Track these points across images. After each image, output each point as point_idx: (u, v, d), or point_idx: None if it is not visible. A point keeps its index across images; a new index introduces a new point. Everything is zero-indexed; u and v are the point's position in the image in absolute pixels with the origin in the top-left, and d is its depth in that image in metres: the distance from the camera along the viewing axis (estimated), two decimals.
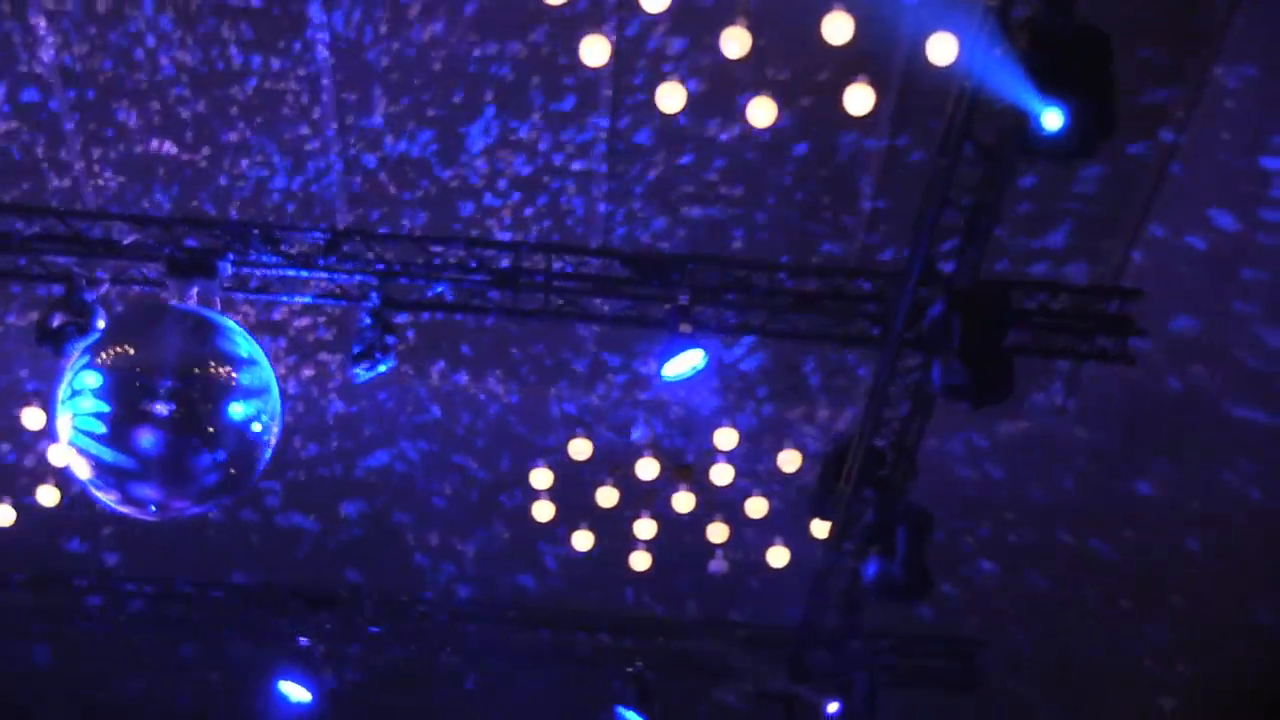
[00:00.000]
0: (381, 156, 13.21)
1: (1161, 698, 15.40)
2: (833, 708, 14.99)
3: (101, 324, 11.99)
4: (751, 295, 12.52)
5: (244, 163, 13.21)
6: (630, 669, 15.45)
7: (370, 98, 12.88)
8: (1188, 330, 13.36)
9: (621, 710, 15.28)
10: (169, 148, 13.16)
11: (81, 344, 11.27)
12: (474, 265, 12.53)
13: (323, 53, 12.64)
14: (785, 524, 14.86)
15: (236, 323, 11.39)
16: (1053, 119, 10.37)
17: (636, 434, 14.67)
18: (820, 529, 14.17)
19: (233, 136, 13.09)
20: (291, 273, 12.55)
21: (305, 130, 13.05)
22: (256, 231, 12.42)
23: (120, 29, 12.51)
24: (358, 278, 12.53)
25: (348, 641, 15.76)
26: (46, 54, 12.65)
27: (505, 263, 12.53)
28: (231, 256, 12.30)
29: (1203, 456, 14.09)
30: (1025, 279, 12.86)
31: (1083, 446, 14.38)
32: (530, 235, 13.35)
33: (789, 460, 14.61)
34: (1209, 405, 13.71)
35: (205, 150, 13.16)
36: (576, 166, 13.18)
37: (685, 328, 12.26)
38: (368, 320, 12.44)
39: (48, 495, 14.98)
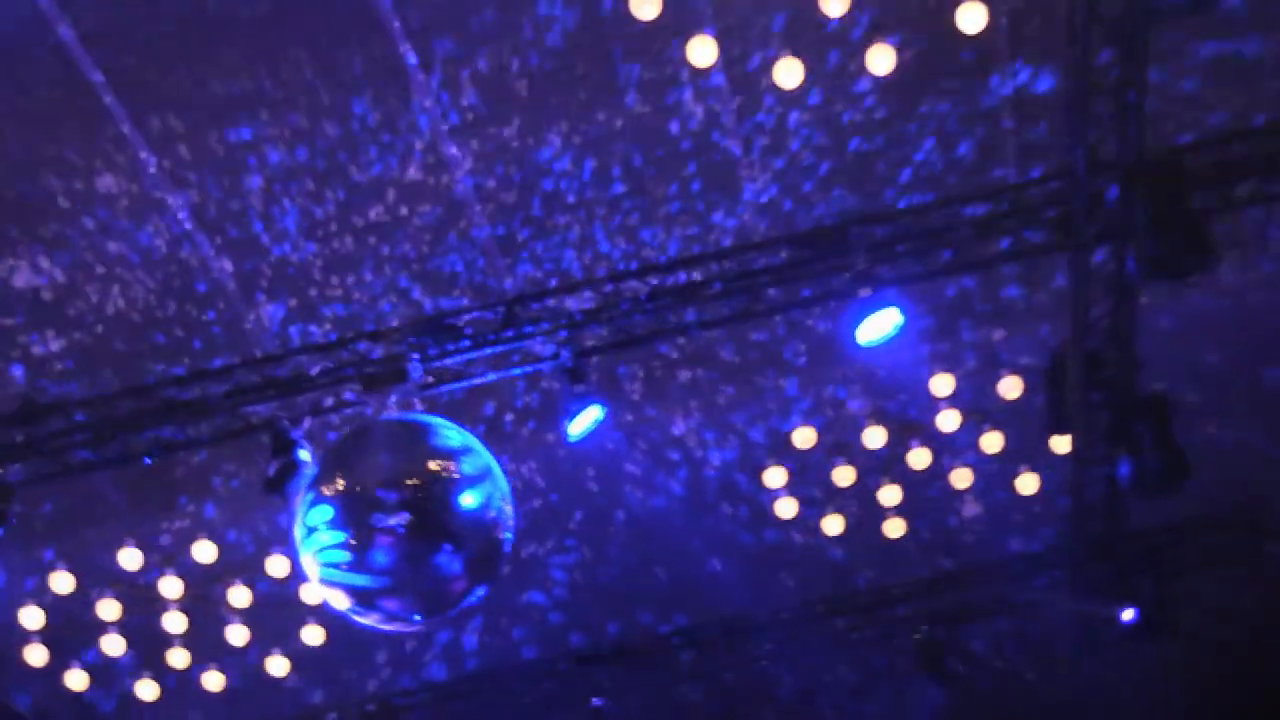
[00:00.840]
0: (526, 221, 13.27)
1: None
2: (1128, 615, 14.79)
3: (309, 457, 12.11)
4: (926, 239, 12.37)
5: (401, 267, 13.33)
6: (917, 634, 15.34)
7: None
8: None
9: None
10: (334, 278, 13.33)
11: (303, 482, 11.38)
12: (649, 293, 12.52)
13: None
14: (1025, 450, 14.66)
15: (442, 417, 11.45)
16: None
17: None
18: (1061, 444, 13.97)
19: (385, 244, 13.23)
20: (478, 354, 12.61)
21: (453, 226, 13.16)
22: (432, 325, 12.51)
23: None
24: (541, 339, 12.57)
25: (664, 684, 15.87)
26: (184, 210, 12.84)
27: (683, 280, 12.50)
28: (417, 356, 12.40)
29: None
30: (1193, 140, 12.55)
31: None
32: (692, 248, 13.31)
33: (1010, 387, 14.41)
34: None
35: (367, 266, 13.31)
36: (717, 159, 13.09)
37: (864, 291, 12.15)
38: (561, 379, 12.49)
39: (313, 635, 15.21)
